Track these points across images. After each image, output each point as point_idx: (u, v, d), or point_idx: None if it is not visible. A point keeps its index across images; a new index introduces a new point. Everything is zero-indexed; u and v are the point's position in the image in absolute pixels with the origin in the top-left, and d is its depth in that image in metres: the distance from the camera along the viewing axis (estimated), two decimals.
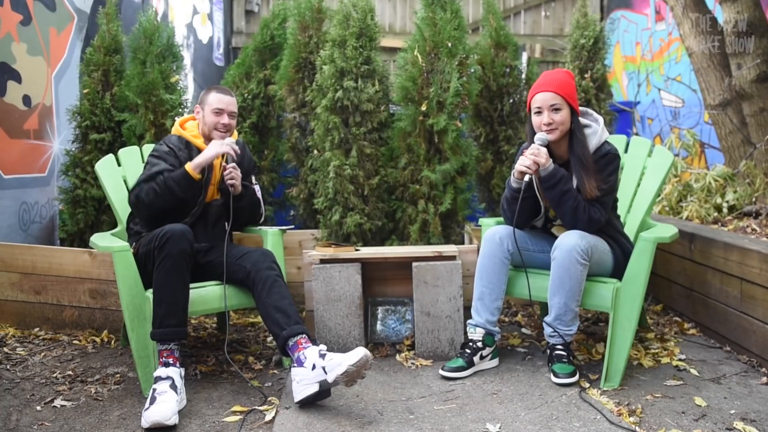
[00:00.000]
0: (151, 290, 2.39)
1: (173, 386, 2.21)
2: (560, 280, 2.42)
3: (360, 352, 2.16)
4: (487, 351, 2.57)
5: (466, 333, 2.66)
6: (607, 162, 2.50)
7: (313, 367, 2.20)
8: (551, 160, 2.48)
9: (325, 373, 2.18)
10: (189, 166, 2.56)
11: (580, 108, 2.61)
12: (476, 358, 2.54)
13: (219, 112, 2.70)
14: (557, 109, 2.50)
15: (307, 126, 3.76)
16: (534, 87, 2.57)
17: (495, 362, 2.63)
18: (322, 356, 2.22)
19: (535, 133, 2.57)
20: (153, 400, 2.15)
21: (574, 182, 2.48)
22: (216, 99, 2.71)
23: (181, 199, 2.57)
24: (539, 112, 2.52)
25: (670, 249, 3.16)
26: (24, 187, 3.56)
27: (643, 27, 6.14)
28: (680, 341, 2.87)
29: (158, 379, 2.23)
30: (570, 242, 2.39)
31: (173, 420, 2.11)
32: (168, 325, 2.30)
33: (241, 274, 2.51)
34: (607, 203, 2.51)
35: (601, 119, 2.60)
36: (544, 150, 2.46)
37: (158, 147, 2.72)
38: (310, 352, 2.25)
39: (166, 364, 2.27)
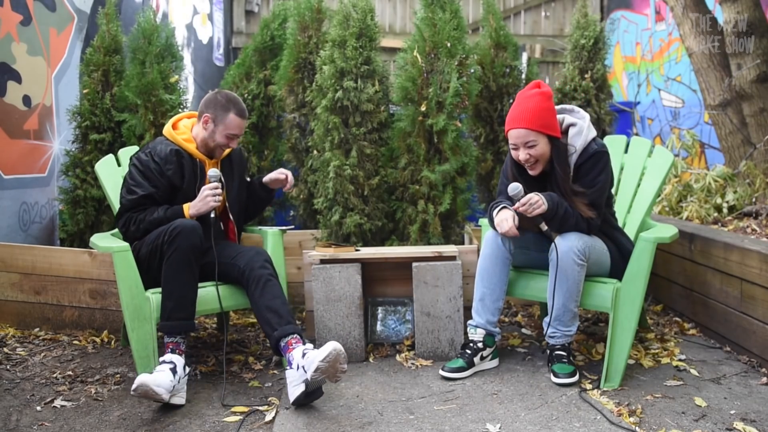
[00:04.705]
0: (151, 290, 2.40)
1: (173, 370, 2.24)
2: (558, 281, 2.41)
3: (328, 347, 2.16)
4: (487, 351, 2.57)
5: (466, 333, 2.66)
6: (595, 161, 2.45)
7: (298, 367, 2.22)
8: (542, 197, 2.36)
9: (305, 371, 2.18)
10: (187, 212, 2.49)
11: (565, 105, 2.58)
12: (476, 359, 2.54)
13: (233, 138, 2.59)
14: (532, 145, 2.42)
15: (307, 126, 3.76)
16: (508, 119, 2.46)
17: (495, 362, 2.63)
18: (304, 355, 2.22)
19: (518, 165, 2.50)
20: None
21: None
22: (235, 124, 2.57)
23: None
24: (515, 148, 2.46)
25: (670, 249, 3.16)
26: (24, 187, 3.56)
27: (643, 27, 6.14)
28: (680, 341, 2.87)
29: (162, 362, 2.26)
30: (567, 243, 2.39)
31: (163, 393, 2.14)
32: (177, 318, 2.32)
33: (235, 273, 2.51)
34: (600, 205, 2.49)
35: (587, 116, 2.54)
36: (535, 197, 2.34)
37: (143, 159, 2.54)
38: (296, 353, 2.26)
39: (173, 351, 2.31)
